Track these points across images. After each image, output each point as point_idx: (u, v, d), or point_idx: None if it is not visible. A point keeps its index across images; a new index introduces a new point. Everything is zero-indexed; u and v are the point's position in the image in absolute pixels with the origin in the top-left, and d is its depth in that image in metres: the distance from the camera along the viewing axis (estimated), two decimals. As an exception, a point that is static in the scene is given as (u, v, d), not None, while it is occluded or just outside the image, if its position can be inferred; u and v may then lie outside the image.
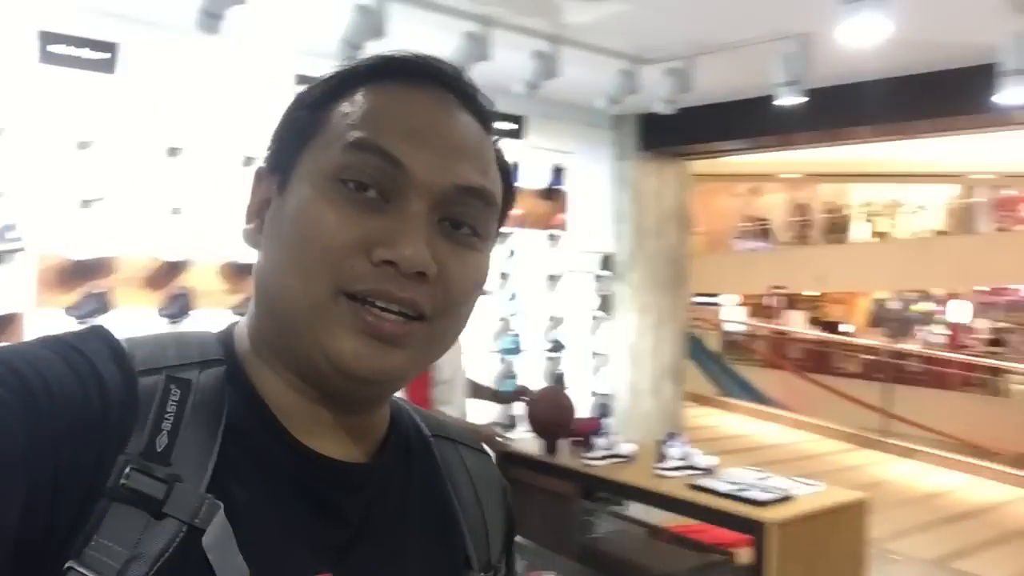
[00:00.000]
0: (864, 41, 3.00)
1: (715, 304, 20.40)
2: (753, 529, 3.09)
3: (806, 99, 4.37)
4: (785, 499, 3.28)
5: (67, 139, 4.06)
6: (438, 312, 0.63)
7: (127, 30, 4.21)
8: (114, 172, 4.17)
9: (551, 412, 3.94)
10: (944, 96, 4.86)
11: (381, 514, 0.67)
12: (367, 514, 0.66)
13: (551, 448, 4.13)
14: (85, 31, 4.09)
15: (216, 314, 4.37)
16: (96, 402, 0.57)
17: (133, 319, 4.13)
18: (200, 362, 0.63)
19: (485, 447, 0.82)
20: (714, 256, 21.23)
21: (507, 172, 0.71)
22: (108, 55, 4.15)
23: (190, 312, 4.31)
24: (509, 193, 0.71)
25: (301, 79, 4.73)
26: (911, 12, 3.75)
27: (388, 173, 0.62)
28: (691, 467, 3.68)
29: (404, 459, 0.72)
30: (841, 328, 18.73)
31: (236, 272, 4.56)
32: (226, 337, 0.68)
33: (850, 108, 5.18)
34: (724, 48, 4.49)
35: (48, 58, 4.00)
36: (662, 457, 3.70)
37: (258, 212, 0.68)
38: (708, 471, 3.67)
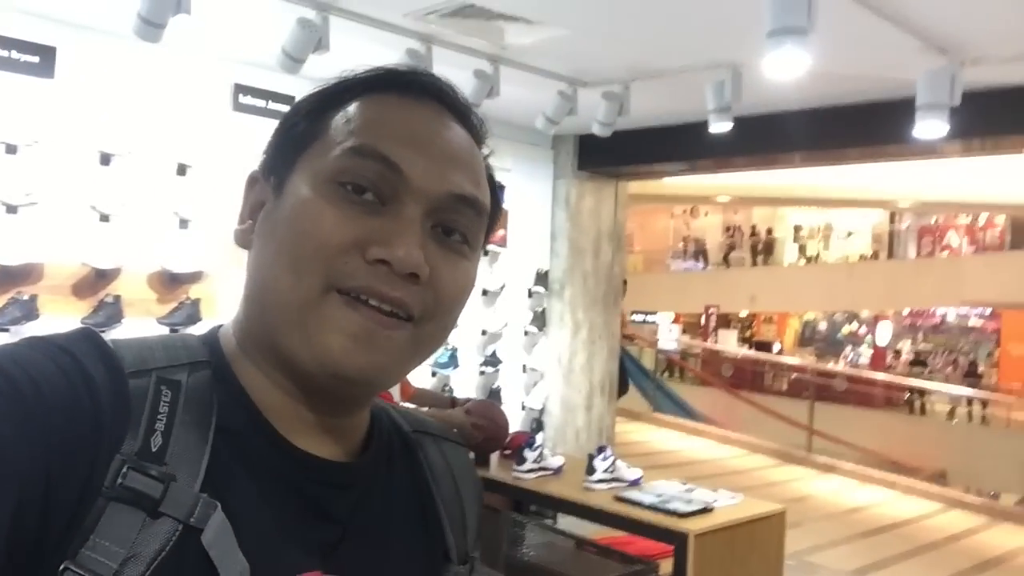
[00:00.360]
0: (786, 74, 3.15)
1: (651, 322, 20.74)
2: (675, 539, 3.19)
3: (736, 126, 4.53)
4: (706, 510, 3.38)
5: (-5, 142, 3.98)
6: (427, 315, 0.65)
7: (65, 34, 4.16)
8: (44, 177, 4.10)
9: (486, 426, 3.98)
10: (868, 127, 5.10)
11: (367, 512, 0.69)
12: (354, 512, 0.68)
13: (483, 461, 4.17)
14: (19, 33, 4.03)
15: (145, 324, 4.30)
16: (87, 403, 0.58)
17: (59, 327, 4.06)
18: (188, 364, 0.65)
19: (462, 440, 0.84)
20: (651, 275, 21.62)
21: (495, 188, 0.74)
22: (43, 59, 4.09)
23: (121, 321, 4.25)
24: (496, 208, 0.73)
25: (240, 89, 4.72)
26: (836, 48, 3.94)
27: (386, 177, 0.64)
28: (618, 480, 3.77)
29: (386, 457, 0.74)
30: (772, 347, 19.19)
31: (168, 281, 4.51)
32: (211, 339, 0.69)
33: (779, 135, 5.38)
34: (659, 74, 4.63)
35: (-22, 60, 3.92)
36: (591, 470, 3.78)
37: (251, 214, 0.70)
38: (635, 484, 3.76)
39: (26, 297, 4.04)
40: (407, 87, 0.69)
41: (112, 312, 4.25)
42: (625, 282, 8.55)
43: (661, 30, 4.04)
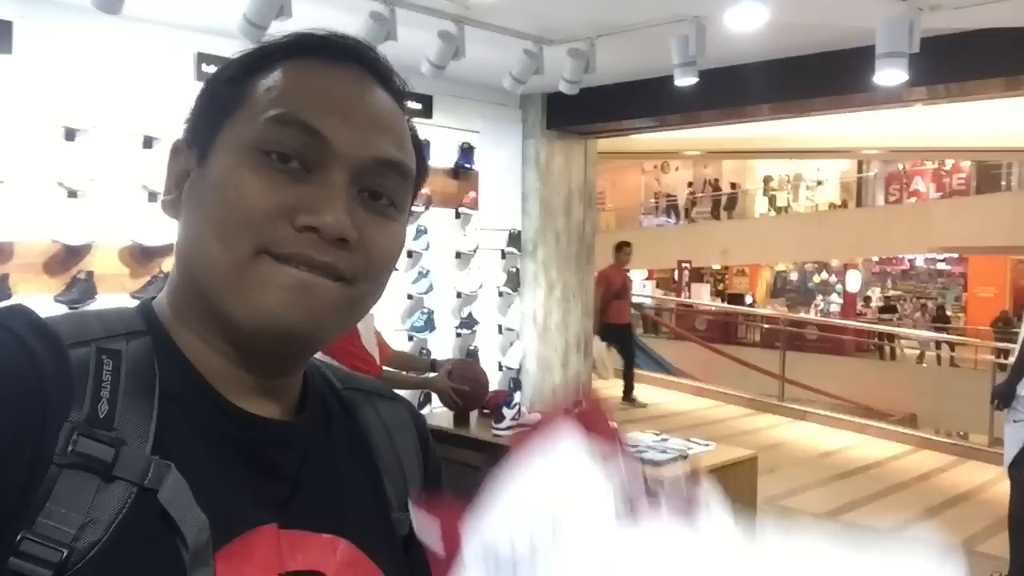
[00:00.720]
0: (746, 25, 3.18)
1: (625, 279, 20.85)
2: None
3: (702, 79, 4.57)
4: (680, 458, 3.48)
5: (-44, 120, 3.93)
6: (360, 277, 0.67)
7: (20, 8, 4.08)
8: (9, 155, 4.05)
9: (469, 386, 4.02)
10: (832, 77, 5.15)
11: (313, 467, 0.71)
12: (301, 468, 0.70)
13: (463, 420, 4.24)
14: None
15: (119, 298, 4.30)
16: (29, 375, 0.58)
17: (33, 306, 4.04)
18: (125, 333, 0.65)
19: (399, 396, 0.86)
20: (623, 232, 21.69)
21: (420, 148, 0.75)
22: (1, 34, 4.02)
23: (95, 297, 4.24)
24: (422, 168, 0.74)
25: (202, 58, 4.67)
26: (795, -2, 3.98)
27: (310, 145, 0.64)
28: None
29: (323, 414, 0.75)
30: (745, 300, 19.41)
31: (140, 255, 4.50)
32: (146, 309, 0.70)
33: (745, 88, 5.42)
34: (624, 30, 4.64)
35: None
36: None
37: (176, 184, 0.70)
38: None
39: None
40: (327, 51, 0.69)
41: (85, 288, 4.24)
42: (628, 244, 8.83)
43: (624, -14, 4.05)
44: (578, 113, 6.21)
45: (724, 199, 21.91)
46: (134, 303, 0.72)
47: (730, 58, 5.10)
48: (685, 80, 4.48)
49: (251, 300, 0.64)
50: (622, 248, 8.84)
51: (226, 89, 0.68)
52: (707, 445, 3.78)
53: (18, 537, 0.55)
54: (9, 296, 3.98)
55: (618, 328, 8.68)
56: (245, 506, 0.65)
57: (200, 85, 0.72)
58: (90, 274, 4.27)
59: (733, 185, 22.17)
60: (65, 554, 0.55)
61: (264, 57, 0.69)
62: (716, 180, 22.27)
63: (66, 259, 4.28)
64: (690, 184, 22.72)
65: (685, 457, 3.54)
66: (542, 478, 0.60)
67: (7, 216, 4.02)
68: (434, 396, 5.67)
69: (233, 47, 0.71)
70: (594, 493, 0.58)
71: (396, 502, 0.78)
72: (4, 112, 4.04)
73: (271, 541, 0.65)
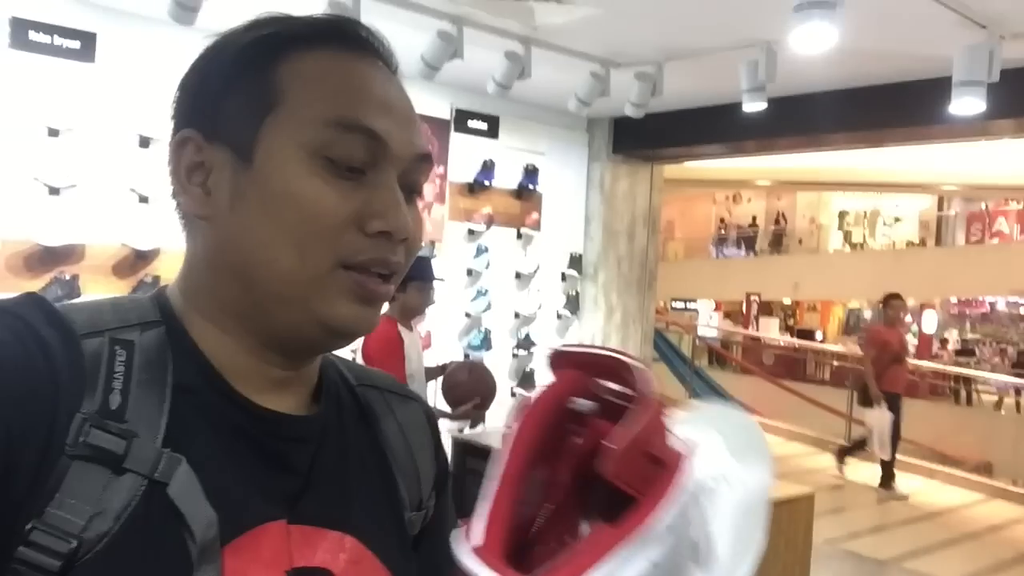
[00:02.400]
0: (814, 49, 3.10)
1: (691, 309, 20.61)
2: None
3: (773, 106, 4.48)
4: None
5: (37, 126, 4.09)
6: (403, 268, 0.69)
7: (104, 19, 4.25)
8: (85, 160, 4.20)
9: (472, 386, 3.97)
10: (909, 107, 5.00)
11: (326, 463, 0.70)
12: (313, 464, 0.69)
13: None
14: (62, 20, 4.13)
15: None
16: (42, 365, 0.58)
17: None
18: (139, 324, 0.65)
19: (414, 394, 0.86)
20: (692, 262, 21.45)
21: None
22: (84, 44, 4.19)
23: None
24: None
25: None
26: (870, 23, 3.87)
27: (371, 149, 0.65)
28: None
29: (336, 409, 0.75)
30: (815, 336, 18.95)
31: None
32: (161, 299, 0.69)
33: (816, 116, 5.30)
34: (693, 54, 4.59)
35: (21, 44, 4.03)
36: None
37: (189, 178, 0.67)
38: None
39: (68, 277, 4.15)
40: (347, 40, 0.68)
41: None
42: (898, 297, 7.22)
43: (693, 8, 4.01)
44: (645, 138, 6.16)
45: (770, 234, 21.52)
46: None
47: (801, 86, 5.00)
48: (754, 106, 4.40)
49: (324, 313, 0.65)
50: (890, 302, 7.22)
51: (252, 79, 0.66)
52: (761, 480, 3.66)
53: (28, 527, 0.55)
54: (76, 296, 4.11)
55: (892, 397, 7.18)
56: (255, 501, 0.64)
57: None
58: (156, 279, 4.38)
59: (777, 220, 21.73)
60: (74, 545, 0.55)
61: (285, 42, 0.67)
62: (780, 214, 21.87)
63: (134, 263, 4.41)
64: (754, 219, 22.35)
65: (737, 490, 3.43)
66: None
67: (80, 219, 4.16)
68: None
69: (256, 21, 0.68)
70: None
71: (409, 501, 0.77)
72: (84, 119, 4.19)
73: (280, 537, 0.65)
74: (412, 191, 0.70)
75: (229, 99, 0.66)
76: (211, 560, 0.59)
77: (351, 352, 3.96)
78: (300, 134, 0.64)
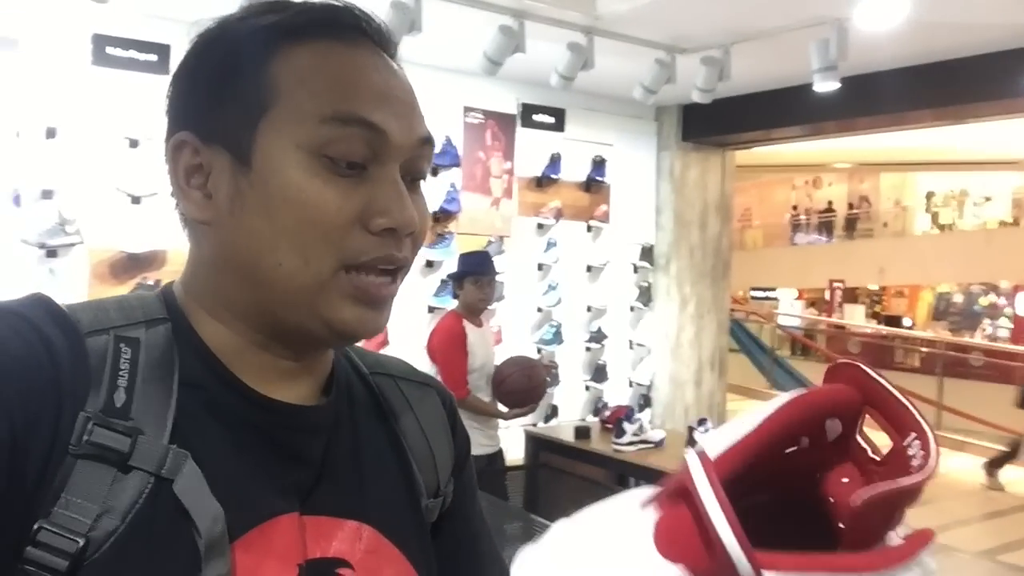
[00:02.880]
0: (881, 24, 2.98)
1: (772, 298, 20.15)
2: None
3: (844, 86, 4.34)
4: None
5: (119, 138, 4.24)
6: (411, 258, 0.68)
7: (178, 32, 4.38)
8: (164, 168, 4.34)
9: (521, 382, 3.98)
10: (996, 80, 4.77)
11: (338, 452, 0.70)
12: (326, 454, 0.69)
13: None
14: (138, 34, 4.28)
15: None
16: (47, 364, 0.58)
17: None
18: (145, 321, 0.65)
19: (430, 379, 0.85)
20: (771, 249, 20.95)
21: None
22: (160, 57, 4.33)
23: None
24: None
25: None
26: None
27: (371, 143, 0.64)
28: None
29: (348, 398, 0.74)
30: (903, 322, 18.30)
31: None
32: (167, 296, 0.69)
33: (893, 93, 5.10)
34: (760, 36, 4.47)
35: (101, 60, 4.19)
36: (692, 443, 3.73)
37: (188, 182, 0.67)
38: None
39: (151, 283, 4.30)
40: (338, 27, 0.67)
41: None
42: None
43: (758, -11, 3.90)
44: (715, 124, 6.05)
45: (842, 220, 20.79)
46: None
47: (876, 63, 4.82)
48: (826, 86, 4.27)
49: (329, 315, 0.64)
50: None
51: (245, 78, 0.64)
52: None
53: (35, 527, 0.55)
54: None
55: None
56: (267, 494, 0.64)
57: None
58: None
59: (854, 204, 20.98)
60: (82, 544, 0.55)
61: (276, 36, 0.65)
62: (863, 197, 21.15)
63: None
64: (829, 204, 21.67)
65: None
66: None
67: (162, 226, 4.30)
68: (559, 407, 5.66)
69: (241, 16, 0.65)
70: None
71: (426, 488, 0.76)
72: (159, 129, 4.32)
73: (292, 530, 0.64)
74: (416, 178, 0.68)
75: (224, 100, 0.65)
76: (220, 555, 0.58)
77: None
78: (297, 133, 0.63)
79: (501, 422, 4.14)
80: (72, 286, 4.11)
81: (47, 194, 4.10)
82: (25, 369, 0.57)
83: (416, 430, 0.78)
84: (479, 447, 3.95)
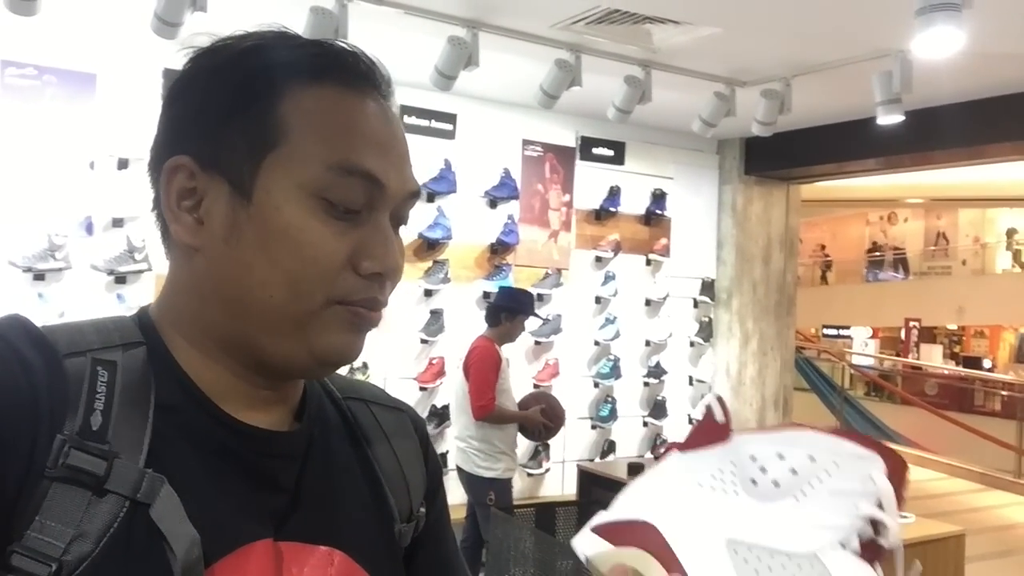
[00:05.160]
0: (939, 54, 2.90)
1: (844, 336, 19.61)
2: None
3: (909, 118, 4.24)
4: (870, 530, 3.15)
5: (186, 168, 4.39)
6: (386, 303, 0.70)
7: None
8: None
9: (544, 404, 4.39)
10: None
11: (311, 478, 0.70)
12: (300, 479, 0.69)
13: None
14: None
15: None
16: (24, 386, 0.58)
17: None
18: (122, 344, 0.65)
19: (402, 404, 0.85)
20: (844, 286, 20.43)
21: None
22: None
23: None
24: None
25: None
26: (1006, 24, 3.59)
27: (369, 192, 0.66)
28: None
29: (321, 423, 0.74)
30: (982, 364, 17.59)
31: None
32: (143, 319, 0.69)
33: (959, 127, 4.96)
34: (822, 68, 4.40)
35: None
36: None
37: (180, 205, 0.67)
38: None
39: None
40: (349, 75, 0.68)
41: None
42: None
43: (819, 20, 3.84)
44: (778, 157, 5.95)
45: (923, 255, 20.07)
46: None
47: (941, 96, 4.70)
48: (889, 119, 4.17)
49: (316, 344, 0.66)
50: None
51: (253, 113, 0.65)
52: (905, 517, 3.40)
53: (8, 551, 0.55)
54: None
55: None
56: (241, 520, 0.64)
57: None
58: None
59: (936, 240, 20.26)
60: (54, 568, 0.55)
61: (287, 76, 0.66)
62: (941, 233, 20.47)
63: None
64: (874, 245, 21.01)
65: (876, 527, 3.20)
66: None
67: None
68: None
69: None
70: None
71: (400, 513, 0.76)
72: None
73: (267, 556, 0.64)
74: (399, 223, 0.71)
75: (229, 131, 0.65)
76: None
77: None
78: (301, 175, 0.65)
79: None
80: (138, 312, 4.24)
81: (118, 222, 4.26)
82: (2, 390, 0.57)
83: (389, 454, 0.78)
84: (508, 472, 4.28)
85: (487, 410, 4.13)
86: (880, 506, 0.55)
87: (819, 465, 0.56)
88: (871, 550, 0.55)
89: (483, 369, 4.17)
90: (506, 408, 4.27)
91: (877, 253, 21.18)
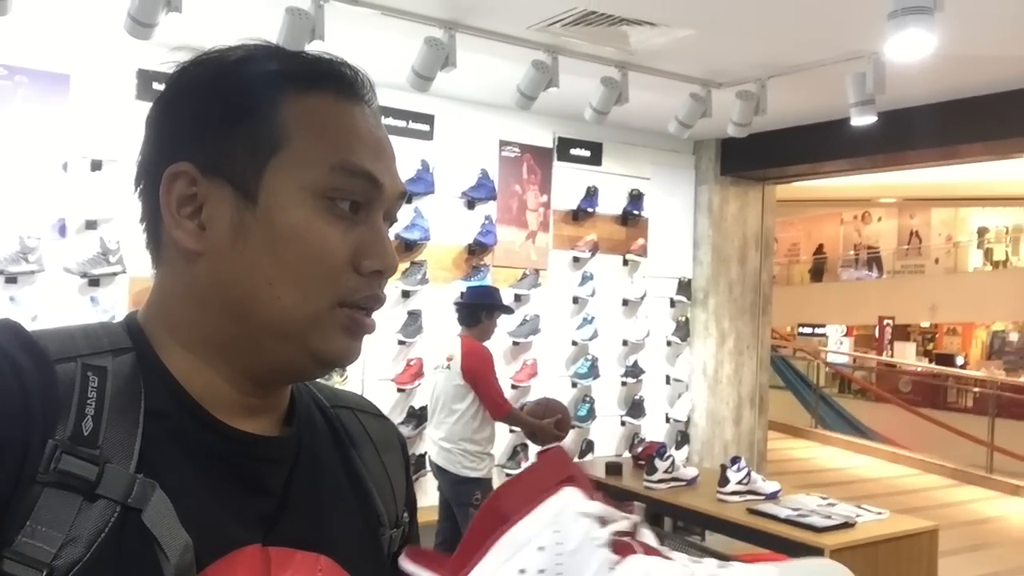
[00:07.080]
0: (910, 57, 2.94)
1: (819, 335, 19.80)
2: (809, 555, 3.02)
3: (882, 121, 4.29)
4: (846, 526, 3.19)
5: (161, 170, 4.35)
6: (383, 300, 0.72)
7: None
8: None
9: (557, 413, 4.36)
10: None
11: (301, 483, 0.71)
12: (289, 485, 0.70)
13: (615, 469, 4.23)
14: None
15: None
16: (16, 391, 0.58)
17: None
18: (111, 350, 0.65)
19: (383, 414, 0.86)
20: (819, 285, 20.62)
21: None
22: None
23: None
24: None
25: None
26: (981, 26, 3.65)
27: (368, 192, 0.69)
28: (753, 492, 3.62)
29: (309, 429, 0.75)
30: (955, 361, 17.81)
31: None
32: (132, 325, 0.70)
33: (934, 127, 5.02)
34: (797, 70, 4.44)
35: (146, 95, 4.31)
36: (723, 482, 3.65)
37: (180, 211, 0.67)
38: (771, 497, 3.60)
39: None
40: (342, 84, 0.71)
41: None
42: None
43: (794, 22, 3.88)
44: (754, 158, 6.00)
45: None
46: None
47: (914, 97, 4.76)
48: (862, 120, 4.22)
49: (319, 347, 0.68)
50: None
51: (255, 119, 0.67)
52: (879, 513, 3.45)
53: None
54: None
55: None
56: (231, 524, 0.64)
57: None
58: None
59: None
60: (45, 573, 0.55)
61: (284, 84, 0.68)
62: (913, 232, 20.72)
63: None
64: (855, 247, 21.25)
65: (852, 525, 3.24)
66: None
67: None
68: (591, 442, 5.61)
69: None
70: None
71: (387, 519, 0.77)
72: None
73: (255, 560, 0.64)
74: (391, 223, 0.74)
75: (229, 137, 0.67)
76: None
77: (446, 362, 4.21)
78: (305, 176, 0.67)
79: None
80: (113, 314, 4.19)
81: (91, 224, 4.22)
82: None
83: (376, 461, 0.79)
84: (490, 471, 4.27)
85: (505, 411, 4.19)
86: (602, 520, 0.57)
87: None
88: (621, 547, 0.57)
89: (487, 372, 4.19)
90: (522, 415, 4.35)
91: (872, 250, 21.40)
